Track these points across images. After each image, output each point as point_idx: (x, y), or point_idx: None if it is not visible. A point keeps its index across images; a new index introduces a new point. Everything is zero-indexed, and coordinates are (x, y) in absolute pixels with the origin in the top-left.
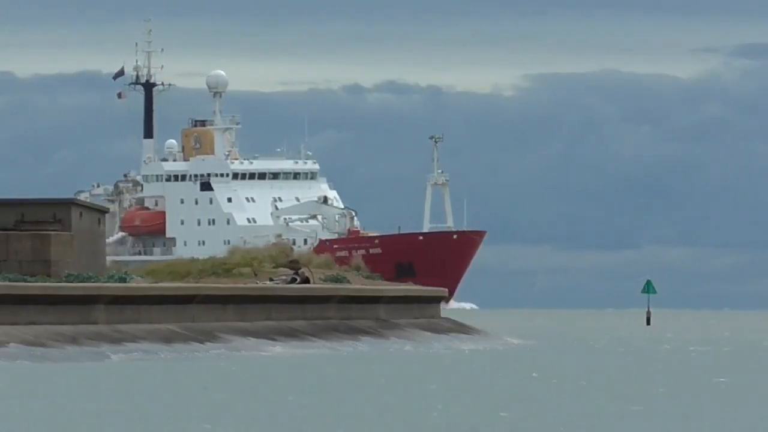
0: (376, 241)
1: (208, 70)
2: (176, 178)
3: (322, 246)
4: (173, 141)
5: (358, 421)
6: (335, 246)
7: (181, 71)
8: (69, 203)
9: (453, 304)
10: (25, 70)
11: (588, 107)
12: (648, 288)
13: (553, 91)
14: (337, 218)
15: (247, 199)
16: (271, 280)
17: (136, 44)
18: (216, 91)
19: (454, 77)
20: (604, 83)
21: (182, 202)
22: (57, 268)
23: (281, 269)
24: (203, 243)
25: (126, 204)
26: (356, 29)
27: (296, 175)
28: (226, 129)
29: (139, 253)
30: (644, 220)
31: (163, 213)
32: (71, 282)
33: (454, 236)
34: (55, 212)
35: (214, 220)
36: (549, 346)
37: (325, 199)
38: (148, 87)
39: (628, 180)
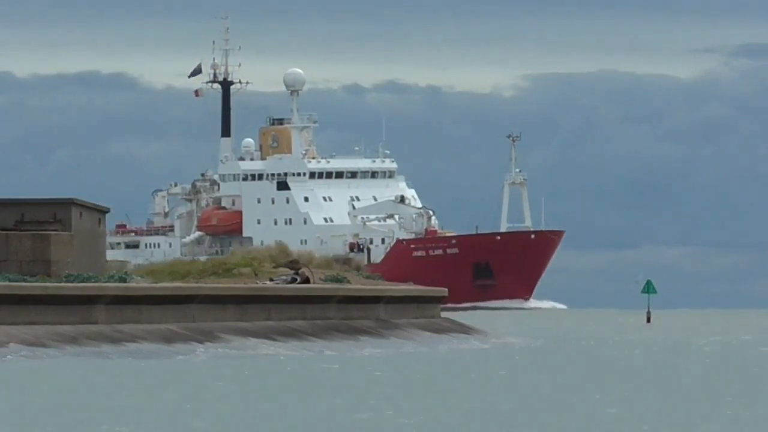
0: (453, 241)
1: (284, 69)
2: (253, 177)
3: (399, 246)
4: (250, 140)
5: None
6: (412, 246)
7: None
8: (69, 203)
9: (532, 303)
10: (24, 70)
11: (588, 107)
12: (648, 288)
13: (553, 91)
14: (414, 218)
15: (324, 198)
16: (271, 280)
17: (213, 42)
18: (293, 89)
19: (454, 77)
20: (604, 83)
21: (259, 201)
22: (57, 268)
23: (281, 269)
24: (280, 243)
25: (203, 203)
26: (356, 29)
27: (374, 174)
28: (304, 127)
29: (216, 253)
30: (644, 220)
31: (240, 212)
32: (71, 282)
33: (532, 236)
34: (55, 212)
35: (290, 220)
36: (549, 346)
37: (402, 199)
38: (226, 85)
39: (627, 180)
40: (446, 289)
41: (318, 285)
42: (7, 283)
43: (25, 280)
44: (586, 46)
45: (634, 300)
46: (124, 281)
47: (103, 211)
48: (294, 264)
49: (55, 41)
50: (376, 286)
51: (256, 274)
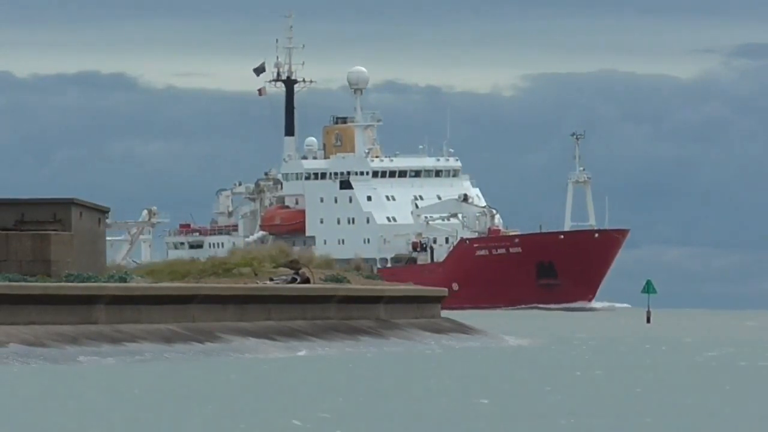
0: (517, 240)
1: (347, 68)
2: (316, 176)
3: (462, 245)
4: (313, 139)
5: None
6: (475, 245)
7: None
8: (69, 203)
9: (595, 303)
10: (24, 70)
11: (588, 107)
12: (648, 288)
13: (553, 91)
14: (477, 217)
15: (387, 197)
16: (271, 280)
17: (277, 40)
18: (357, 87)
19: (454, 77)
20: (604, 83)
21: (322, 200)
22: (57, 268)
23: (281, 269)
24: (342, 242)
25: (267, 202)
26: (356, 29)
27: (438, 173)
28: (367, 126)
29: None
30: (644, 220)
31: (303, 212)
32: (71, 282)
33: (596, 235)
34: (55, 212)
35: (353, 219)
36: (548, 346)
37: (466, 197)
38: (290, 84)
39: (627, 180)
40: (446, 289)
41: (318, 285)
42: (7, 283)
43: (25, 280)
44: (586, 46)
45: (635, 300)
46: (124, 281)
47: (103, 211)
48: (294, 264)
49: (55, 41)
50: (376, 286)
51: (256, 274)
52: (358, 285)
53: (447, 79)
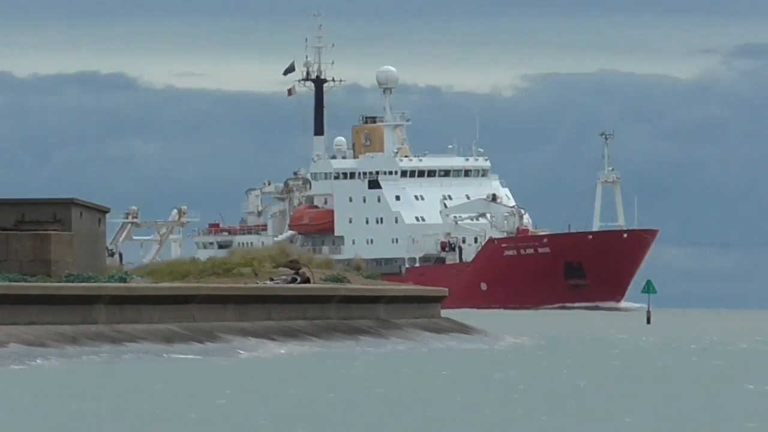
0: (545, 240)
1: (376, 67)
2: (345, 176)
3: (490, 245)
4: (342, 138)
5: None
6: (503, 245)
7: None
8: (69, 203)
9: (625, 304)
10: (24, 70)
11: (588, 107)
12: (648, 288)
13: (553, 91)
14: (505, 216)
15: (416, 197)
16: (271, 280)
17: (306, 39)
18: (386, 87)
19: (454, 77)
20: (604, 83)
21: (350, 200)
22: (57, 268)
23: (281, 269)
24: (371, 242)
25: (296, 202)
26: (356, 29)
27: (467, 173)
28: (396, 126)
29: (308, 252)
30: (644, 220)
31: (332, 211)
32: (71, 282)
33: (625, 235)
34: (55, 212)
35: (382, 219)
36: (546, 346)
37: (494, 197)
38: (319, 83)
39: (627, 180)
40: (446, 289)
41: (318, 285)
42: (7, 283)
43: (25, 280)
44: (586, 46)
45: (634, 300)
46: (124, 281)
47: (103, 211)
48: (294, 264)
49: (55, 41)
50: (376, 286)
51: (256, 274)
52: (358, 285)
53: (447, 79)
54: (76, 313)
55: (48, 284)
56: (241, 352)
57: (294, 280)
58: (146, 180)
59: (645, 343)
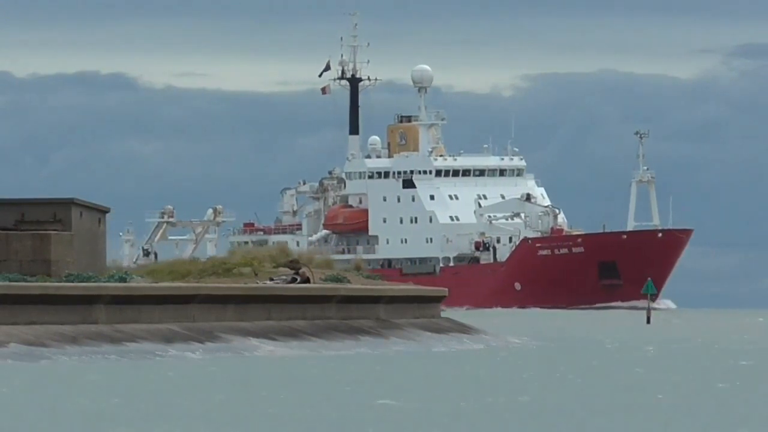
0: (579, 239)
1: (411, 66)
2: (379, 175)
3: (524, 244)
4: (376, 137)
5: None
6: (537, 245)
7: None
8: (69, 203)
9: (660, 304)
10: (24, 70)
11: (587, 107)
12: (648, 288)
13: (553, 91)
14: (540, 216)
15: (450, 196)
16: (271, 280)
17: (341, 38)
18: (421, 86)
19: (454, 77)
20: (603, 83)
21: (385, 199)
22: (57, 268)
23: (281, 269)
24: (405, 241)
25: (330, 201)
26: (356, 29)
27: (502, 172)
28: (431, 125)
29: (343, 252)
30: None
31: (366, 211)
32: (71, 282)
33: (659, 235)
34: (55, 212)
35: (416, 218)
36: (547, 346)
37: (529, 197)
38: (354, 82)
39: (626, 180)
40: (446, 289)
41: (318, 285)
42: (7, 283)
43: (25, 280)
44: (586, 46)
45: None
46: (124, 281)
47: (103, 211)
48: (294, 264)
49: (55, 41)
50: (376, 286)
51: (256, 274)
52: (358, 285)
53: (447, 79)
54: (76, 313)
55: (48, 284)
56: (241, 352)
57: (294, 280)
58: (147, 180)
59: (637, 342)
